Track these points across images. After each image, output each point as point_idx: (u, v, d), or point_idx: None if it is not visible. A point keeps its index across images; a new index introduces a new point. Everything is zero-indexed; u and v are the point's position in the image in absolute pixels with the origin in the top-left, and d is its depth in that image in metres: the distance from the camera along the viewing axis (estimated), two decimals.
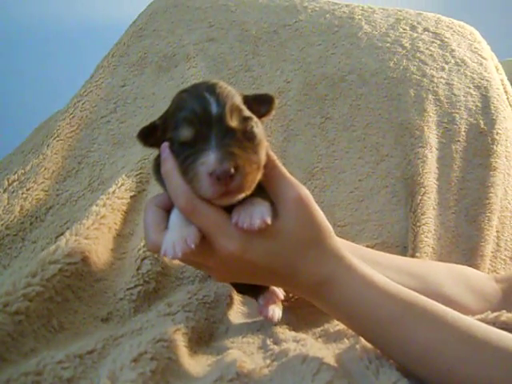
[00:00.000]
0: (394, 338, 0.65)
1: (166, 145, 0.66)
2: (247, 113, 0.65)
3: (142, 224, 1.02)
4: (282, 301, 0.91)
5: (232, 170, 0.59)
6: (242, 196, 0.63)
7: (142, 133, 0.68)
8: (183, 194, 0.64)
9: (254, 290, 0.88)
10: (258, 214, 0.63)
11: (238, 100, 0.65)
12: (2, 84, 2.00)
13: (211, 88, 0.65)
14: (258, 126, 0.66)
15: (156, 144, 0.68)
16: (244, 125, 0.64)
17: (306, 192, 0.68)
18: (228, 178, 0.59)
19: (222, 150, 0.60)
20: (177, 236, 0.63)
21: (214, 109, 0.62)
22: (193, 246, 0.61)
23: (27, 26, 2.02)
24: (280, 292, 0.85)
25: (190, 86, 0.68)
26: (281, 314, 0.85)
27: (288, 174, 0.69)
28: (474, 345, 0.61)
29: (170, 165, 0.65)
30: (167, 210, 0.70)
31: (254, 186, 0.63)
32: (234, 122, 0.63)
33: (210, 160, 0.59)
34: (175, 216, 0.67)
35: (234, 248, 0.64)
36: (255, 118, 0.66)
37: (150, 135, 0.68)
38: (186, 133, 0.62)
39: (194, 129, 0.62)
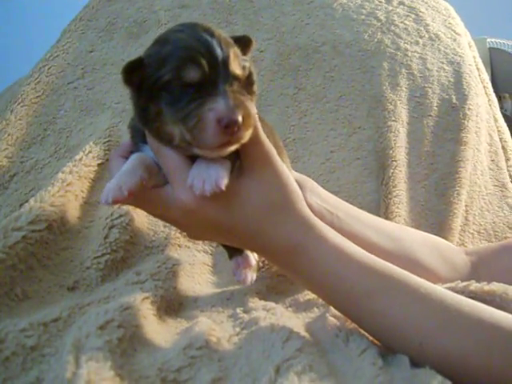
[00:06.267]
0: (367, 310, 0.65)
1: None
2: (245, 59, 0.63)
3: None
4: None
5: (240, 120, 0.57)
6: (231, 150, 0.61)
7: (128, 68, 0.62)
8: None
9: (230, 248, 0.87)
10: (213, 178, 0.60)
11: (235, 45, 0.63)
12: None
13: (209, 31, 0.61)
14: (254, 72, 0.64)
15: (140, 83, 0.62)
16: (244, 72, 0.62)
17: (274, 152, 0.67)
18: (235, 128, 0.57)
19: (231, 97, 0.58)
20: (114, 182, 0.61)
21: (219, 53, 0.59)
22: (126, 193, 0.59)
23: None
24: (253, 258, 0.84)
25: (180, 26, 0.64)
26: (254, 277, 0.85)
27: (261, 132, 0.67)
28: (447, 317, 0.60)
29: None
30: None
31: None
32: (237, 69, 0.60)
33: (219, 106, 0.57)
34: (126, 163, 0.65)
35: (188, 200, 0.63)
36: (250, 63, 0.64)
37: (135, 72, 0.62)
38: (193, 74, 0.58)
39: (201, 70, 0.58)
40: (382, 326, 0.64)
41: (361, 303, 0.65)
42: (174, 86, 0.59)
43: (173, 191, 0.64)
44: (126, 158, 0.68)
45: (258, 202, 0.65)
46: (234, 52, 0.61)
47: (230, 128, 0.57)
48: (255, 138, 0.65)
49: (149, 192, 0.65)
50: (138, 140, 0.69)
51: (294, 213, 0.67)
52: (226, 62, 0.59)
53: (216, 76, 0.58)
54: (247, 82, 0.62)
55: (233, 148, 0.60)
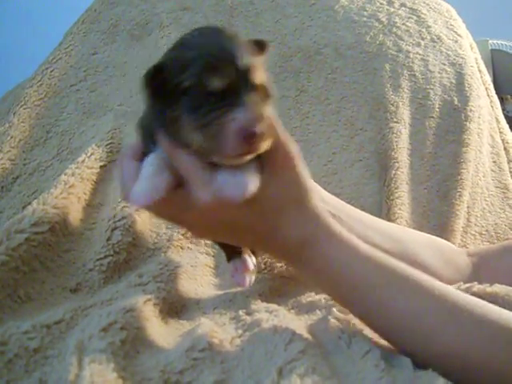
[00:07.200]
0: (373, 304, 0.65)
1: None
2: (263, 68, 0.62)
3: (112, 193, 1.00)
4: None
5: (261, 132, 0.56)
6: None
7: (150, 73, 0.60)
8: None
9: (229, 249, 0.86)
10: (242, 184, 0.59)
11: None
12: None
13: (234, 38, 0.60)
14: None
15: (157, 87, 0.60)
16: (263, 81, 0.60)
17: (295, 150, 0.66)
18: (256, 139, 0.56)
19: (253, 108, 0.57)
20: (147, 184, 0.60)
21: (243, 62, 0.58)
22: (163, 193, 0.59)
23: None
24: (251, 262, 0.84)
25: (205, 28, 0.63)
26: (253, 280, 0.85)
27: (281, 131, 0.66)
28: (451, 313, 0.61)
29: None
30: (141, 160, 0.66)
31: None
32: (259, 79, 0.59)
33: (242, 117, 0.56)
34: (148, 164, 0.63)
35: (210, 200, 0.61)
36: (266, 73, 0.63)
37: (156, 77, 0.60)
38: (216, 82, 0.57)
39: (225, 79, 0.57)
40: (388, 320, 0.64)
41: (368, 297, 0.65)
42: (196, 92, 0.58)
43: (193, 189, 0.62)
44: (139, 160, 0.66)
45: (277, 199, 0.65)
46: (258, 61, 0.60)
47: (250, 139, 0.56)
48: (276, 139, 0.64)
49: (171, 193, 0.63)
50: (148, 141, 0.67)
51: (308, 209, 0.67)
52: (249, 71, 0.58)
53: (239, 85, 0.57)
54: (265, 94, 0.61)
55: (249, 157, 0.59)
